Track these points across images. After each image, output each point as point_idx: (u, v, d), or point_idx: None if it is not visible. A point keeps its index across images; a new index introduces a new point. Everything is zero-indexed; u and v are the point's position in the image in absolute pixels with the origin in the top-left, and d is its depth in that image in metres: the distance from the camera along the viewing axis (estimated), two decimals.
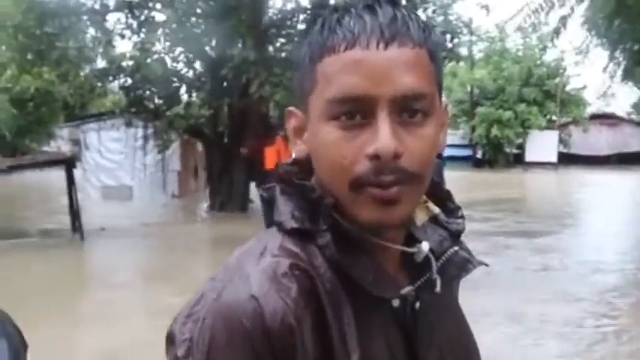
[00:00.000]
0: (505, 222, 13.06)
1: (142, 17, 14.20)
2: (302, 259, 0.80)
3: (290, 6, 14.38)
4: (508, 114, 30.32)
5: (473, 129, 31.55)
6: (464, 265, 0.89)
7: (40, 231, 12.34)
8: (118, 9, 14.32)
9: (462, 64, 23.04)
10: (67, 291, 8.04)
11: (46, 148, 22.69)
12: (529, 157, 31.07)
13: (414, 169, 0.78)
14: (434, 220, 0.91)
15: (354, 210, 0.80)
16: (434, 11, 14.78)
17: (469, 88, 31.63)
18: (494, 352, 5.16)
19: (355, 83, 0.77)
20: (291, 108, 0.88)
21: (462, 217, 0.93)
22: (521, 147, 31.86)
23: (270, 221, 0.89)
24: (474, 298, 4.45)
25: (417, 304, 0.86)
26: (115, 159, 18.67)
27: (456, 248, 0.89)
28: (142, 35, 14.24)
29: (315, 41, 0.81)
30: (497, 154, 31.13)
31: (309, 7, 14.26)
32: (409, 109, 0.78)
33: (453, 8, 15.21)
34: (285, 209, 0.84)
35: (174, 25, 13.57)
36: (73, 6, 13.88)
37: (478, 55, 31.69)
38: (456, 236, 0.91)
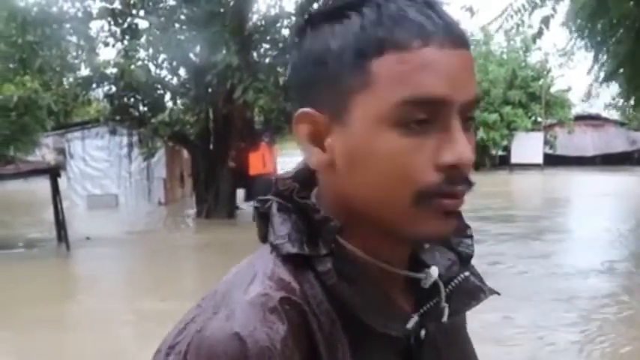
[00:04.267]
0: (493, 226, 13.09)
1: (125, 25, 14.17)
2: (294, 291, 0.71)
3: (274, 12, 14.38)
4: (493, 116, 30.50)
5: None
6: (475, 293, 0.83)
7: (25, 241, 12.26)
8: (100, 16, 14.27)
9: None
10: (54, 300, 7.99)
11: (30, 158, 22.48)
12: (515, 158, 31.27)
13: (470, 178, 0.73)
14: (442, 241, 0.83)
15: (412, 224, 0.72)
16: None
17: None
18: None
19: (434, 85, 0.68)
20: (306, 109, 0.74)
21: (471, 237, 0.85)
22: (506, 149, 32.05)
23: (264, 235, 0.80)
24: None
25: (422, 333, 0.79)
26: (100, 167, 18.59)
27: (466, 274, 0.82)
28: (126, 42, 14.20)
29: (371, 33, 0.70)
30: (483, 156, 31.27)
31: (292, 12, 14.27)
32: (469, 116, 0.73)
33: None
34: (281, 230, 0.75)
35: (157, 32, 13.53)
36: (55, 14, 13.81)
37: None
38: (465, 260, 0.84)
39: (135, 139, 16.93)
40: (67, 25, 14.07)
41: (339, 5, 0.73)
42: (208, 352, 0.67)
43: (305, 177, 0.81)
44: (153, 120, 14.69)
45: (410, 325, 0.76)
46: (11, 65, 14.30)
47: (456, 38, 0.71)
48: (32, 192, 19.81)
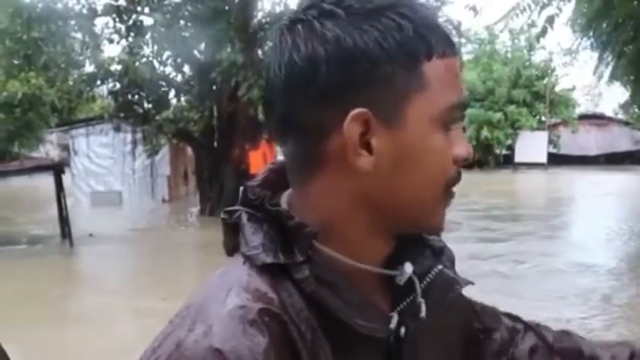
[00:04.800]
0: (498, 225, 13.08)
1: (130, 21, 14.16)
2: (272, 302, 0.70)
3: (278, 9, 14.36)
4: (498, 115, 30.46)
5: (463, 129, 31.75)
6: (450, 285, 0.84)
7: (29, 237, 12.28)
8: (105, 13, 14.28)
9: None
10: (57, 297, 8.02)
11: (34, 154, 22.54)
12: (519, 157, 31.22)
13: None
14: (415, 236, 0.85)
15: (437, 216, 0.78)
16: None
17: None
18: None
19: (464, 91, 0.77)
20: (362, 109, 0.71)
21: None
22: (510, 148, 32.00)
23: (232, 249, 0.79)
24: None
25: (402, 331, 0.79)
26: (104, 164, 18.62)
27: (440, 267, 0.83)
28: (130, 39, 14.20)
29: (424, 37, 0.72)
30: (487, 155, 31.22)
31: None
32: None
33: (442, 11, 15.25)
34: (254, 240, 0.74)
35: (162, 29, 13.53)
36: (60, 10, 13.83)
37: (467, 57, 31.83)
38: (438, 254, 0.85)
39: (139, 136, 16.94)
40: (72, 22, 14.08)
41: (381, 4, 0.72)
42: None
43: (273, 182, 0.80)
44: (157, 117, 14.70)
45: (393, 324, 0.76)
46: (16, 62, 14.33)
47: (457, 46, 0.76)
48: (36, 188, 19.85)
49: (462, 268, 0.89)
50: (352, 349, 0.74)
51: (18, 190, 21.00)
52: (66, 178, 12.34)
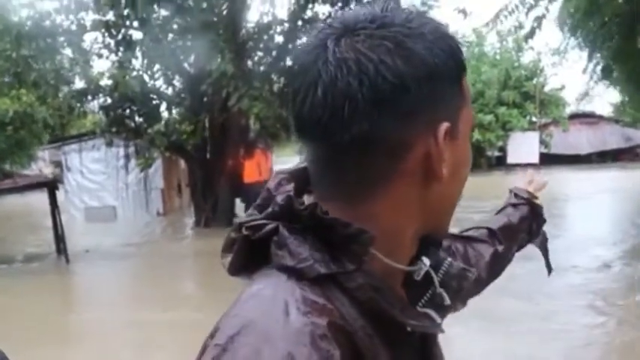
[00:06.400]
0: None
1: (119, 36, 14.17)
2: (334, 314, 0.70)
3: (267, 19, 14.41)
4: (488, 117, 30.53)
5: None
6: (462, 274, 0.87)
7: (24, 255, 12.25)
8: (94, 28, 14.26)
9: None
10: (54, 313, 8.01)
11: (27, 171, 22.46)
12: (511, 159, 31.27)
13: None
14: None
15: (449, 218, 0.85)
16: None
17: None
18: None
19: None
20: (448, 124, 0.76)
21: None
22: (502, 149, 32.07)
23: (241, 267, 0.78)
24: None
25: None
26: (97, 180, 18.56)
27: (449, 259, 0.87)
28: (120, 54, 14.21)
29: (460, 57, 0.79)
30: (479, 157, 31.29)
31: (285, 19, 14.31)
32: None
33: (429, 14, 15.30)
34: (302, 252, 0.72)
35: (151, 43, 13.55)
36: (49, 27, 13.81)
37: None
38: (438, 245, 0.88)
39: (131, 150, 16.91)
40: (61, 38, 14.08)
41: (429, 25, 0.76)
42: None
43: (298, 192, 0.79)
44: (149, 130, 14.69)
45: (438, 319, 0.81)
46: (6, 79, 14.33)
47: None
48: (29, 206, 19.78)
49: None
50: (400, 348, 0.77)
51: (11, 208, 20.93)
52: (59, 195, 12.31)
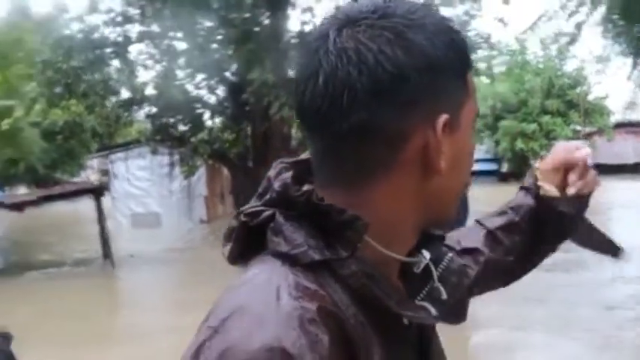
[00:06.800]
0: None
1: (164, 46, 14.52)
2: (325, 299, 0.70)
3: (307, 28, 14.58)
4: (532, 126, 30.12)
5: (497, 143, 31.41)
6: (463, 270, 0.89)
7: (72, 260, 12.60)
8: (140, 40, 14.66)
9: (483, 78, 23.08)
10: (101, 316, 8.22)
11: (76, 179, 23.05)
12: None
13: None
14: None
15: (451, 212, 0.83)
16: None
17: (491, 102, 31.54)
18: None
19: None
20: (447, 115, 0.76)
21: None
22: None
23: (239, 254, 0.79)
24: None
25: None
26: (142, 186, 18.95)
27: (451, 254, 0.88)
28: (164, 64, 14.55)
29: (465, 51, 0.80)
30: (523, 166, 30.86)
31: None
32: None
33: (471, 24, 15.28)
34: (296, 239, 0.73)
35: (194, 53, 13.85)
36: (98, 40, 14.25)
37: (499, 69, 31.55)
38: (442, 242, 0.89)
39: (176, 157, 17.23)
40: (109, 50, 14.50)
41: (433, 17, 0.77)
42: None
43: (298, 180, 0.79)
44: (192, 139, 14.97)
45: (433, 312, 0.80)
46: (57, 90, 14.77)
47: None
48: (78, 212, 20.29)
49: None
50: (396, 340, 0.76)
51: (60, 215, 21.49)
52: (106, 201, 12.66)
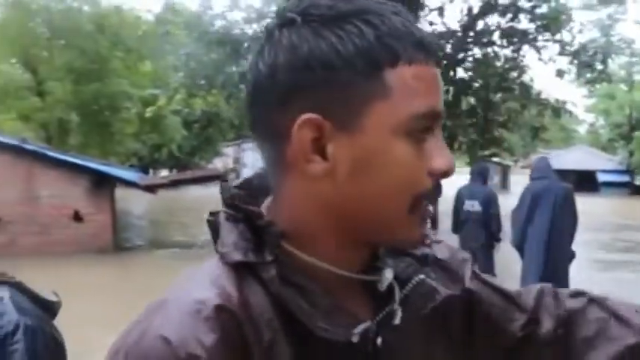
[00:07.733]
0: None
1: None
2: (232, 300, 0.69)
3: (438, 30, 14.48)
4: None
5: (631, 154, 29.39)
6: (430, 294, 0.82)
7: (202, 241, 13.33)
8: None
9: (622, 86, 21.82)
10: None
11: (210, 166, 24.26)
12: None
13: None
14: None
15: (405, 230, 0.75)
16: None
17: (628, 111, 29.59)
18: None
19: (437, 99, 0.73)
20: (312, 115, 0.70)
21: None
22: None
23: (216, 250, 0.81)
24: None
25: (379, 341, 0.77)
26: None
27: (422, 277, 0.82)
28: None
29: (387, 44, 0.70)
30: None
31: (458, 30, 14.28)
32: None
33: (614, 28, 14.58)
34: (228, 239, 0.74)
35: None
36: (236, 35, 14.94)
37: (638, 77, 29.51)
38: (422, 262, 0.83)
39: None
40: (245, 45, 15.19)
41: (342, 11, 0.71)
42: (140, 357, 0.66)
43: (254, 186, 0.81)
44: None
45: (358, 329, 0.73)
46: (198, 81, 15.66)
47: (434, 54, 0.74)
48: (212, 197, 21.33)
49: None
50: (319, 356, 0.73)
51: (194, 198, 22.58)
52: None
